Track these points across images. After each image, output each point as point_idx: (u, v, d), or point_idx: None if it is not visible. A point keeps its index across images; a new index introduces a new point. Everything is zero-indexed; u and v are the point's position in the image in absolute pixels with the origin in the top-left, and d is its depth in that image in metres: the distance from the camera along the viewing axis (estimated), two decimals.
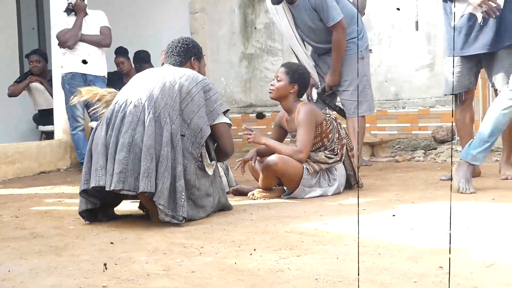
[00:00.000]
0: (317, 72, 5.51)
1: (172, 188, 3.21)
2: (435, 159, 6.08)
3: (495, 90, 4.58)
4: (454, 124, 5.94)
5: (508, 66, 4.46)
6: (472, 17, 4.49)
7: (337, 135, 4.15)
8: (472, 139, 4.16)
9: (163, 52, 3.94)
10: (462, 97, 4.73)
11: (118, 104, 3.41)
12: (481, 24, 4.44)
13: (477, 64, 4.69)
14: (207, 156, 3.44)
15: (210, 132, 3.42)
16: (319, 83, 5.47)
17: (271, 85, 4.22)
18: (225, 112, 3.56)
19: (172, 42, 3.78)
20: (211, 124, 3.45)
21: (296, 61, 5.30)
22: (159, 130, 3.25)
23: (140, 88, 3.43)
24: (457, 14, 4.57)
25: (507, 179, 4.51)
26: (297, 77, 4.20)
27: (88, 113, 6.09)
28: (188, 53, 3.73)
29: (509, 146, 4.66)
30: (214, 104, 3.48)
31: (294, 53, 5.55)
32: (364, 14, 6.19)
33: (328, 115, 4.19)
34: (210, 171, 3.44)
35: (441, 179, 4.66)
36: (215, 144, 3.56)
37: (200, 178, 3.39)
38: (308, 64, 5.37)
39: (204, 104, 3.44)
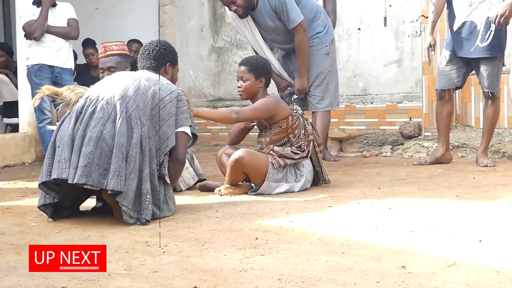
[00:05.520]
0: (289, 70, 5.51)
1: (138, 190, 3.18)
2: (401, 155, 6.12)
3: (484, 91, 5.10)
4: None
5: (491, 71, 4.99)
6: (472, 24, 4.93)
7: (303, 131, 4.14)
8: None
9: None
10: (446, 93, 5.18)
11: (89, 98, 3.38)
12: (482, 32, 4.88)
13: (467, 65, 5.14)
14: (166, 166, 3.42)
15: (175, 143, 3.42)
16: (292, 81, 5.46)
17: (239, 86, 4.21)
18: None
19: (150, 44, 3.76)
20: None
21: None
22: (130, 130, 3.23)
23: (115, 86, 3.41)
24: (458, 18, 5.00)
25: (486, 166, 4.95)
26: (261, 70, 4.21)
27: (55, 105, 6.00)
28: (164, 58, 3.73)
29: (487, 138, 5.13)
30: (181, 114, 3.49)
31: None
32: (335, 18, 6.10)
33: (295, 111, 4.18)
34: (167, 179, 3.42)
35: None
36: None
37: (161, 184, 3.37)
38: (278, 65, 5.42)
39: (175, 113, 3.44)
